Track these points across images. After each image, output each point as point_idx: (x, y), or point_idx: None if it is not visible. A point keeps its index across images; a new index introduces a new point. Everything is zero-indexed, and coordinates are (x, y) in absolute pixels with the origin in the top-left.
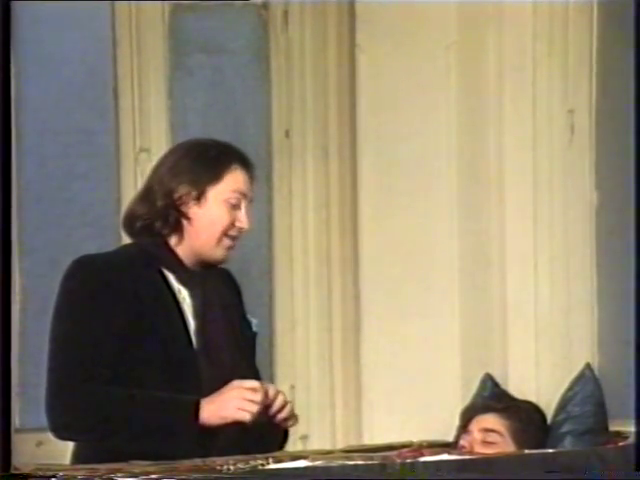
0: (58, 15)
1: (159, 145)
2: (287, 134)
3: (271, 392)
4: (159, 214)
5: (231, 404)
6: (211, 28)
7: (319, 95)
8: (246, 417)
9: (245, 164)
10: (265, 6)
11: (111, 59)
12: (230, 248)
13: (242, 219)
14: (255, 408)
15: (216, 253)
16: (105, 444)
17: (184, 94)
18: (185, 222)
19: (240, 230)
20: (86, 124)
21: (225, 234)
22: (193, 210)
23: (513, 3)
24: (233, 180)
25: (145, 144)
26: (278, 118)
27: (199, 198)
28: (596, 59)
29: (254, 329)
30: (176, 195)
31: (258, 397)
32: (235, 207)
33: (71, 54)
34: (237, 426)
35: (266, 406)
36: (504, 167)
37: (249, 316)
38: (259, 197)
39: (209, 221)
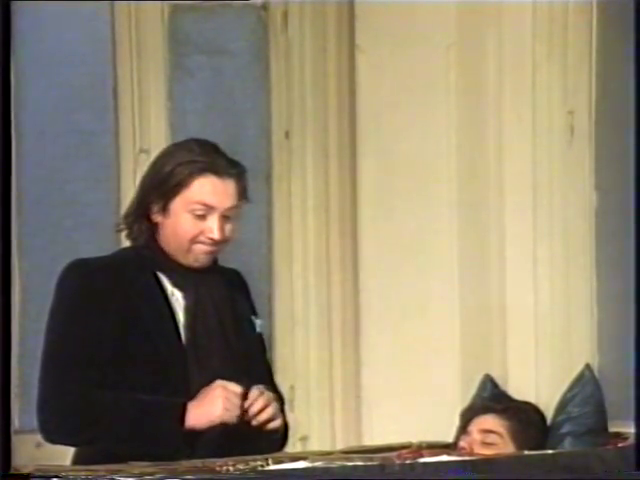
0: (58, 15)
1: (159, 146)
2: (287, 135)
3: (252, 394)
4: (133, 222)
5: (218, 406)
6: (211, 29)
7: (319, 96)
8: (234, 417)
9: (219, 173)
10: (265, 7)
11: (111, 60)
12: (207, 253)
13: (212, 230)
14: (237, 409)
15: (189, 260)
16: (92, 447)
17: (184, 95)
18: (154, 231)
19: (212, 239)
20: (86, 125)
21: (194, 243)
22: (160, 220)
23: (513, 4)
24: (198, 191)
25: (145, 145)
26: (278, 119)
27: (164, 208)
28: (596, 60)
29: (258, 330)
30: (146, 204)
31: (240, 398)
32: (202, 218)
33: (71, 55)
34: (224, 428)
35: (247, 408)
36: (504, 168)
37: (253, 317)
38: (258, 198)
39: (173, 231)
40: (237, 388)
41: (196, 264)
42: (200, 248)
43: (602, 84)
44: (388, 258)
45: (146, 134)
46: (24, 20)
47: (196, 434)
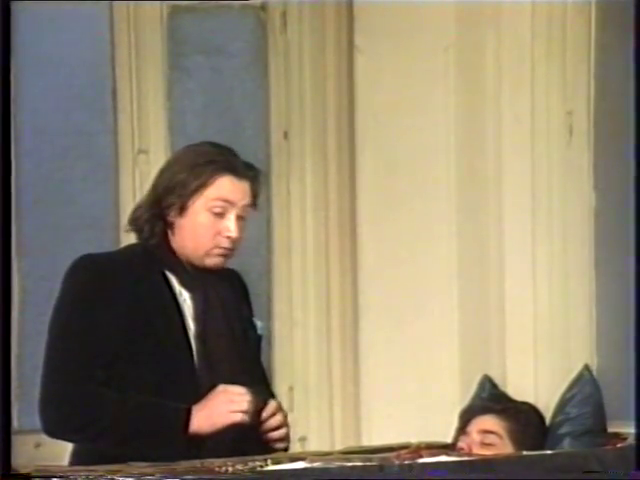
0: (57, 16)
1: (157, 147)
2: (286, 135)
3: (270, 408)
4: (146, 222)
5: (221, 409)
6: (210, 29)
7: (318, 96)
8: (238, 417)
9: (237, 172)
10: (264, 7)
11: (110, 60)
12: (223, 256)
13: (229, 228)
14: (245, 406)
15: (205, 261)
16: (95, 445)
17: (182, 95)
18: (170, 232)
19: (230, 238)
20: (85, 125)
21: (212, 243)
22: (177, 220)
23: (511, 4)
24: (217, 189)
25: (144, 145)
26: (277, 119)
27: (182, 208)
28: (594, 60)
29: (259, 332)
30: (162, 205)
31: (246, 397)
32: (220, 216)
33: (70, 55)
34: (230, 431)
35: (262, 421)
36: (503, 168)
37: (254, 319)
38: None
39: (192, 231)
40: (240, 389)
41: (212, 265)
42: (218, 249)
43: (601, 84)
44: (387, 258)
45: (145, 134)
46: (24, 20)
47: (201, 438)
